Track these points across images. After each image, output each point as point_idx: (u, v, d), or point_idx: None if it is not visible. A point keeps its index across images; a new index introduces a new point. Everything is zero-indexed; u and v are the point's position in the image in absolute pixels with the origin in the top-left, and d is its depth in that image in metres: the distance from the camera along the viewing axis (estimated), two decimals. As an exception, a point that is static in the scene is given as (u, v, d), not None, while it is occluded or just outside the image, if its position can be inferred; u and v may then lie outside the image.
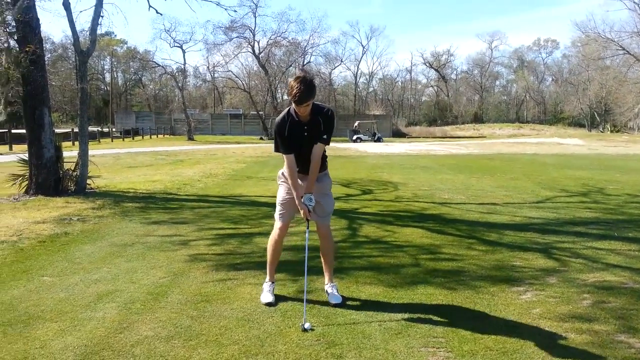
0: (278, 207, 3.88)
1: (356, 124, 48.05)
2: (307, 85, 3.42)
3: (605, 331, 3.22)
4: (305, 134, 3.63)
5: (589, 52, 62.38)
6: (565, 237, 5.96)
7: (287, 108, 3.72)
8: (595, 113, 69.93)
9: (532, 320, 3.42)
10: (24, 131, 9.82)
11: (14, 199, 8.75)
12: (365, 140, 44.02)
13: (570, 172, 14.65)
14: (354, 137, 44.32)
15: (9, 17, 8.81)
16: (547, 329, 3.27)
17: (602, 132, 62.17)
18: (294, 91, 3.41)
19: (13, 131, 26.65)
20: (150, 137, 49.07)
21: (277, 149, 3.76)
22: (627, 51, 57.77)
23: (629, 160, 20.69)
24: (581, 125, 71.65)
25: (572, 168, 16.14)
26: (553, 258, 5.01)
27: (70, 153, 11.02)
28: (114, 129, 48.77)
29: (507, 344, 3.03)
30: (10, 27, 9.25)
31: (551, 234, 6.14)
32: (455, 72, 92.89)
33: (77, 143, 22.03)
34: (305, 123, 3.62)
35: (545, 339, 3.10)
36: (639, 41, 57.13)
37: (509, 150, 27.88)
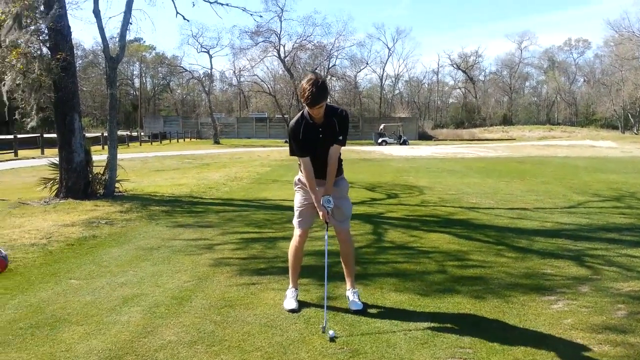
0: (296, 214, 3.86)
1: (381, 126, 47.84)
2: (318, 87, 3.39)
3: (642, 344, 3.07)
4: (320, 136, 3.60)
5: (623, 52, 60.74)
6: (599, 243, 5.77)
7: (301, 111, 3.69)
8: (629, 114, 67.87)
9: (563, 331, 3.30)
10: (54, 136, 10.04)
11: (45, 202, 8.95)
12: (390, 143, 43.75)
13: (603, 175, 14.23)
14: (379, 140, 44.11)
15: (42, 26, 9.04)
16: (579, 340, 3.15)
17: (636, 134, 60.31)
18: (306, 93, 3.38)
19: (45, 136, 27.36)
20: (178, 141, 49.83)
21: (292, 153, 3.74)
22: (662, 50, 56.00)
23: (665, 163, 19.97)
24: (614, 127, 69.66)
25: (605, 172, 15.68)
26: (585, 266, 4.83)
27: (99, 157, 11.24)
28: (142, 133, 49.66)
29: (537, 355, 2.92)
30: (43, 35, 9.49)
31: (583, 240, 5.95)
32: (483, 73, 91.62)
33: (106, 147, 22.51)
34: (320, 125, 3.59)
35: (578, 351, 2.99)
36: (676, 40, 55.37)
37: (539, 153, 27.28)
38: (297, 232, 3.83)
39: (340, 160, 3.75)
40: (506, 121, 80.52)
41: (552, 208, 8.38)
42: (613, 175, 14.19)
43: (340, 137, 3.62)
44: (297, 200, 3.85)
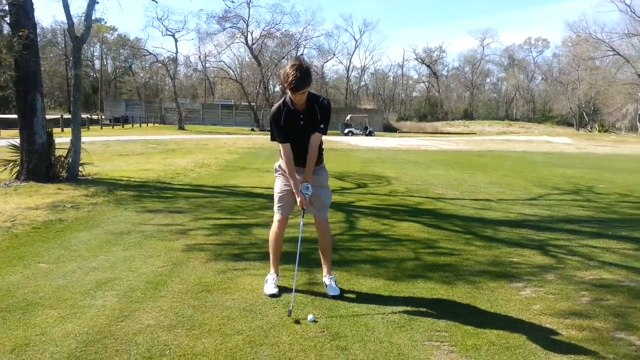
0: (276, 200, 3.87)
1: (348, 117, 48.07)
2: (303, 73, 3.38)
3: (605, 328, 3.26)
4: (301, 122, 3.61)
5: (580, 52, 62.89)
6: (560, 234, 6.02)
7: (283, 97, 3.69)
8: (584, 112, 70.56)
9: (533, 316, 3.45)
10: (10, 116, 9.65)
11: (5, 184, 8.63)
12: (356, 134, 44.06)
13: (560, 170, 14.79)
14: (346, 131, 44.35)
15: (3, 1, 8.64)
16: (548, 325, 3.30)
17: (590, 131, 62.77)
18: (290, 78, 3.37)
19: (0, 116, 26.22)
20: (140, 126, 48.61)
21: (273, 138, 3.73)
22: (617, 52, 58.34)
23: (617, 160, 20.92)
24: (569, 124, 72.28)
25: (561, 166, 16.29)
26: (549, 255, 5.05)
27: (60, 139, 10.87)
28: (103, 117, 48.24)
29: (510, 339, 3.05)
30: (2, 11, 9.08)
31: (546, 231, 6.20)
32: (446, 68, 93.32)
33: (66, 130, 21.73)
34: (301, 112, 3.60)
35: (547, 335, 3.13)
36: (629, 43, 57.71)
37: (498, 148, 28.05)
38: (277, 217, 3.84)
39: (321, 149, 3.77)
40: (467, 116, 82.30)
41: (514, 200, 8.67)
42: (570, 170, 14.77)
43: (322, 126, 3.64)
44: (278, 186, 3.86)
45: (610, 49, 58.66)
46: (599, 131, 60.49)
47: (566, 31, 77.83)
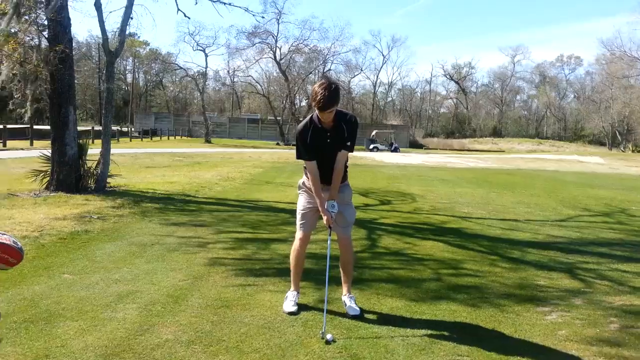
0: (299, 217, 3.85)
1: (373, 133, 48.02)
2: (331, 92, 3.38)
3: (634, 357, 3.12)
4: (328, 140, 3.59)
5: (614, 70, 61.66)
6: (590, 257, 5.83)
7: (310, 115, 3.69)
8: (617, 132, 68.87)
9: (558, 342, 3.33)
10: (44, 127, 9.94)
11: (35, 194, 8.84)
12: (382, 150, 43.94)
13: (592, 191, 14.40)
14: (371, 146, 44.30)
15: (42, 16, 8.96)
16: (574, 352, 3.18)
17: (623, 151, 61.17)
18: (318, 97, 3.37)
19: (34, 127, 27.04)
20: (168, 138, 49.54)
21: (299, 156, 3.72)
22: (652, 70, 56.97)
23: (651, 181, 20.27)
24: (602, 144, 70.61)
25: (593, 187, 15.86)
26: (578, 279, 4.89)
27: (90, 151, 11.13)
28: (132, 129, 49.34)
29: (534, 366, 2.94)
30: (41, 26, 9.41)
31: (575, 253, 6.01)
32: (475, 85, 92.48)
33: (96, 141, 22.24)
34: (328, 130, 3.59)
35: (574, 363, 3.02)
36: (665, 61, 56.35)
37: (528, 166, 27.53)
38: (299, 234, 3.82)
39: (346, 167, 3.75)
40: (496, 133, 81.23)
41: (543, 220, 8.46)
42: (602, 191, 14.36)
43: (349, 143, 3.62)
44: (301, 203, 3.85)
45: (644, 67, 57.31)
46: (633, 151, 58.88)
47: (600, 49, 76.30)
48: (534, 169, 25.02)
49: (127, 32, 10.86)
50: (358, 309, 3.71)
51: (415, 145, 61.42)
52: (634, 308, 4.06)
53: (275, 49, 53.37)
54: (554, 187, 15.33)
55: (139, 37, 66.97)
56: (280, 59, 53.93)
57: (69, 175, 9.23)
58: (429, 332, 3.42)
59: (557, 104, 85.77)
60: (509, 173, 21.36)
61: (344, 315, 3.66)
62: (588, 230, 7.64)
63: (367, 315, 3.68)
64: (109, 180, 10.04)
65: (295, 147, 3.80)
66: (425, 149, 58.38)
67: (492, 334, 3.45)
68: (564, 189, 14.56)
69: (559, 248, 6.27)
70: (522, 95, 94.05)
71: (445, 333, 3.41)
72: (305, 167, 3.74)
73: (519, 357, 3.05)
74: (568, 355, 3.13)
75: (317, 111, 3.51)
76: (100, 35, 10.25)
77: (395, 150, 44.90)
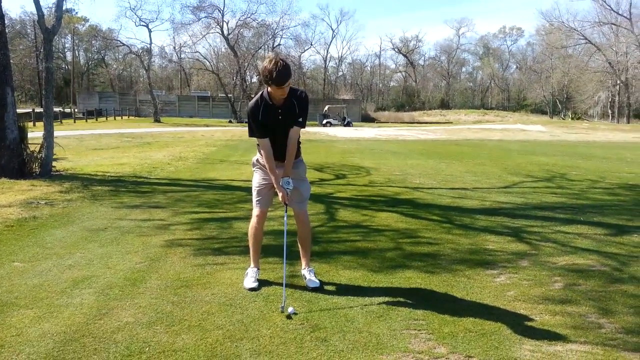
0: (255, 194, 3.86)
1: (326, 108, 48.05)
2: (284, 66, 3.38)
3: (577, 313, 3.35)
4: (280, 117, 3.60)
5: (553, 41, 63.98)
6: (534, 221, 6.15)
7: (260, 92, 3.67)
8: (557, 100, 71.87)
9: (507, 302, 3.53)
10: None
11: (-25, 181, 8.41)
12: (335, 125, 44.11)
13: (534, 158, 15.07)
14: (324, 121, 44.38)
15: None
16: (522, 311, 3.38)
17: (563, 119, 63.97)
18: (273, 73, 3.35)
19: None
20: (115, 119, 47.79)
21: (251, 134, 3.71)
22: (588, 40, 59.51)
23: (589, 147, 21.41)
24: (543, 112, 73.57)
25: (536, 154, 16.60)
26: (524, 242, 5.16)
27: (32, 134, 10.63)
28: (76, 110, 47.23)
29: (485, 325, 3.12)
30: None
31: (520, 218, 6.33)
32: (423, 58, 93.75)
33: (38, 124, 21.21)
34: (279, 106, 3.58)
35: (521, 321, 3.21)
36: (600, 31, 58.85)
37: (475, 136, 28.42)
38: (256, 211, 3.84)
39: (298, 142, 3.77)
40: (444, 105, 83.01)
41: (490, 188, 8.82)
42: (543, 158, 15.06)
43: (300, 119, 3.64)
44: (256, 180, 3.86)
45: (582, 37, 59.79)
46: (572, 119, 61.71)
47: (540, 20, 79.08)
48: (480, 139, 25.86)
49: (64, 8, 10.32)
50: (317, 281, 3.79)
51: (367, 119, 61.94)
52: (576, 267, 4.34)
53: (223, 24, 52.07)
54: (499, 155, 15.93)
55: (76, 13, 63.70)
56: (228, 34, 52.70)
57: (10, 160, 8.81)
58: (387, 299, 3.54)
59: (500, 75, 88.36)
60: (457, 144, 21.99)
61: (304, 288, 3.73)
62: (532, 196, 8.03)
63: (326, 287, 3.77)
64: (54, 164, 9.67)
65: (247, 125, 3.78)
66: (377, 122, 59.00)
67: (445, 297, 3.62)
68: (509, 157, 15.17)
69: (506, 213, 6.58)
70: (467, 67, 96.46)
71: (402, 299, 3.55)
72: (258, 145, 3.74)
73: (470, 318, 3.22)
74: (517, 314, 3.33)
75: (269, 88, 3.50)
76: (35, 12, 9.69)
77: (348, 124, 45.16)
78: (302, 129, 3.74)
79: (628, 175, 11.07)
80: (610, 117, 61.44)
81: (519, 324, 3.15)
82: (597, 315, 3.31)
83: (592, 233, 5.56)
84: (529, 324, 3.18)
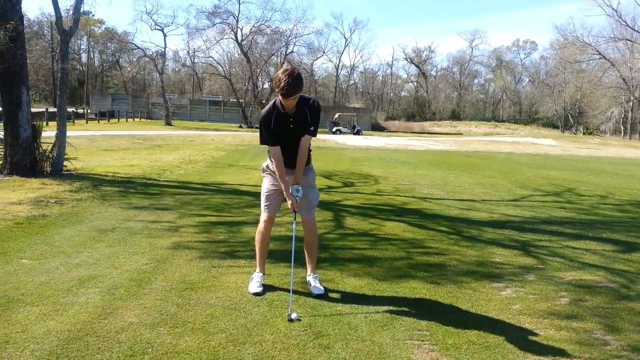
0: (263, 199, 3.88)
1: (336, 115, 48.07)
2: (294, 78, 3.41)
3: (582, 329, 3.32)
4: (291, 126, 3.62)
5: (567, 55, 63.64)
6: (542, 235, 6.11)
7: (273, 100, 3.70)
8: (569, 115, 71.43)
9: (512, 316, 3.51)
10: (-4, 109, 9.49)
11: (-13, 178, 8.51)
12: (344, 133, 44.09)
13: (544, 172, 14.97)
14: (334, 129, 44.37)
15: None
16: (527, 325, 3.36)
17: (574, 133, 63.57)
18: (282, 84, 3.39)
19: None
20: (127, 120, 48.10)
21: (263, 142, 3.74)
22: (602, 56, 59.14)
23: (600, 162, 21.25)
24: (555, 127, 73.11)
25: (546, 168, 16.49)
26: (531, 256, 5.13)
27: (45, 133, 10.74)
28: (89, 111, 47.66)
29: (489, 338, 3.10)
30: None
31: (528, 232, 6.29)
32: (435, 68, 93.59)
33: (51, 123, 21.46)
34: (291, 115, 3.61)
35: (526, 335, 3.19)
36: (615, 46, 58.53)
37: (485, 148, 28.29)
38: (263, 217, 3.86)
39: (309, 150, 3.80)
40: (454, 116, 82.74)
41: (498, 200, 8.77)
42: (554, 172, 14.96)
43: (312, 128, 3.66)
44: (265, 185, 3.88)
45: (596, 53, 59.46)
46: (584, 134, 61.30)
47: (554, 34, 78.93)
48: (490, 151, 25.75)
49: (81, 10, 10.46)
50: (322, 288, 3.79)
51: (377, 128, 61.89)
52: (583, 282, 4.30)
53: (237, 30, 52.29)
54: (508, 168, 15.85)
55: (93, 15, 64.42)
56: (242, 40, 52.95)
57: (23, 158, 8.91)
58: (391, 308, 3.53)
59: (512, 87, 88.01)
60: (466, 155, 21.91)
61: (309, 294, 3.73)
62: (540, 210, 7.98)
63: (331, 294, 3.77)
64: (65, 163, 9.75)
65: (258, 131, 3.81)
66: (387, 131, 58.93)
67: (450, 309, 3.60)
68: (518, 170, 15.08)
69: (514, 227, 6.53)
70: (479, 79, 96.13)
71: (406, 309, 3.54)
72: (269, 152, 3.76)
73: (475, 331, 3.20)
74: (521, 328, 3.31)
75: (280, 97, 3.53)
76: (53, 14, 9.84)
77: (358, 132, 45.12)
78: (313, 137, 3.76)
79: (639, 192, 10.96)
80: (622, 133, 60.92)
81: (524, 338, 3.13)
82: (602, 332, 3.27)
83: (600, 249, 5.51)
84: (534, 338, 3.15)
